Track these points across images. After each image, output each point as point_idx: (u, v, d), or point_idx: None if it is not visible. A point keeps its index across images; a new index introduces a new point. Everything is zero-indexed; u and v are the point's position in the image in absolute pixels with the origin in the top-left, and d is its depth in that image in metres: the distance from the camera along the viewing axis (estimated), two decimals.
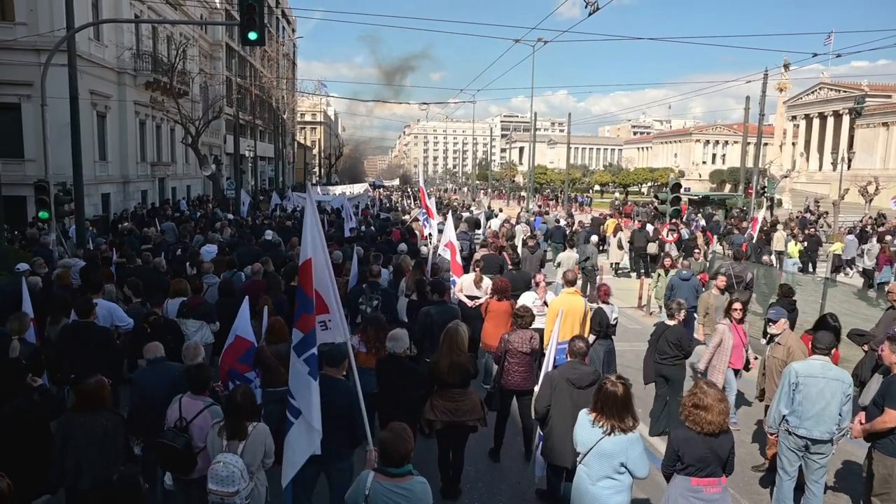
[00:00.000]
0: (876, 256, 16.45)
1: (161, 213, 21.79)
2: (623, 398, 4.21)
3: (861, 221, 28.28)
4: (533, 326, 6.69)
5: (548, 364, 5.92)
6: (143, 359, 5.42)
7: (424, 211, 16.22)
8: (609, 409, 4.20)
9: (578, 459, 4.39)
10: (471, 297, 8.92)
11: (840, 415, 5.15)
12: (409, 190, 53.31)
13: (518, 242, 15.38)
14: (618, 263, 18.49)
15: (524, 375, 6.39)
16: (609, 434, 4.17)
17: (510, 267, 10.76)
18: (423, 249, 12.78)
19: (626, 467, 4.17)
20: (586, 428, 4.30)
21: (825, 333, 5.57)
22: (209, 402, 4.66)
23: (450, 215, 13.19)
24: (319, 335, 4.62)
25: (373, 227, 17.58)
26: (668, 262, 12.08)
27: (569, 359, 5.48)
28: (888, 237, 18.83)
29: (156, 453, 4.57)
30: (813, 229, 20.14)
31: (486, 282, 9.00)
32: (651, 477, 6.30)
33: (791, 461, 5.37)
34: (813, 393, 5.15)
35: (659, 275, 12.20)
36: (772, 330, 6.57)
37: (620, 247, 17.80)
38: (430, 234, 14.90)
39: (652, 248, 17.19)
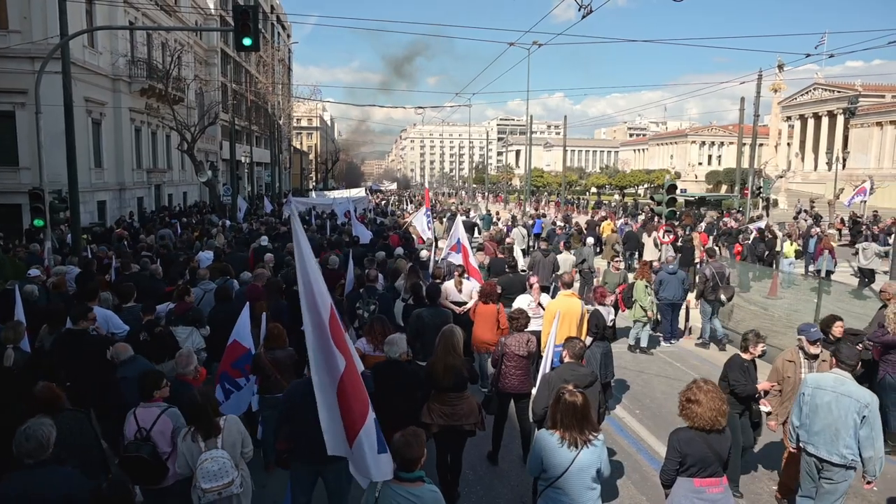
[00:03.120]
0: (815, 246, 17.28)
1: (158, 220, 21.76)
2: (583, 408, 4.02)
3: (833, 223, 28.51)
4: (529, 329, 6.69)
5: (545, 366, 5.92)
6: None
7: (427, 213, 16.19)
8: (570, 421, 4.01)
9: (546, 484, 4.08)
10: (457, 304, 8.80)
11: (857, 440, 4.67)
12: (405, 195, 53.27)
13: (516, 246, 15.36)
14: (652, 262, 18.46)
15: (521, 378, 6.39)
16: (582, 448, 4.00)
17: (507, 270, 10.76)
18: (423, 253, 12.76)
19: (598, 472, 4.07)
20: (555, 450, 4.02)
21: (850, 347, 5.15)
22: (164, 406, 4.59)
23: (458, 218, 13.07)
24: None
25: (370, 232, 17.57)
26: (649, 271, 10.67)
27: (566, 360, 5.48)
28: (830, 231, 19.23)
29: (124, 470, 4.40)
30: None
31: (468, 285, 8.99)
32: (650, 477, 6.34)
33: (807, 485, 5.07)
34: (819, 406, 4.85)
35: (646, 286, 10.34)
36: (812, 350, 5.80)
37: (657, 245, 17.77)
38: (426, 240, 14.89)
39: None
